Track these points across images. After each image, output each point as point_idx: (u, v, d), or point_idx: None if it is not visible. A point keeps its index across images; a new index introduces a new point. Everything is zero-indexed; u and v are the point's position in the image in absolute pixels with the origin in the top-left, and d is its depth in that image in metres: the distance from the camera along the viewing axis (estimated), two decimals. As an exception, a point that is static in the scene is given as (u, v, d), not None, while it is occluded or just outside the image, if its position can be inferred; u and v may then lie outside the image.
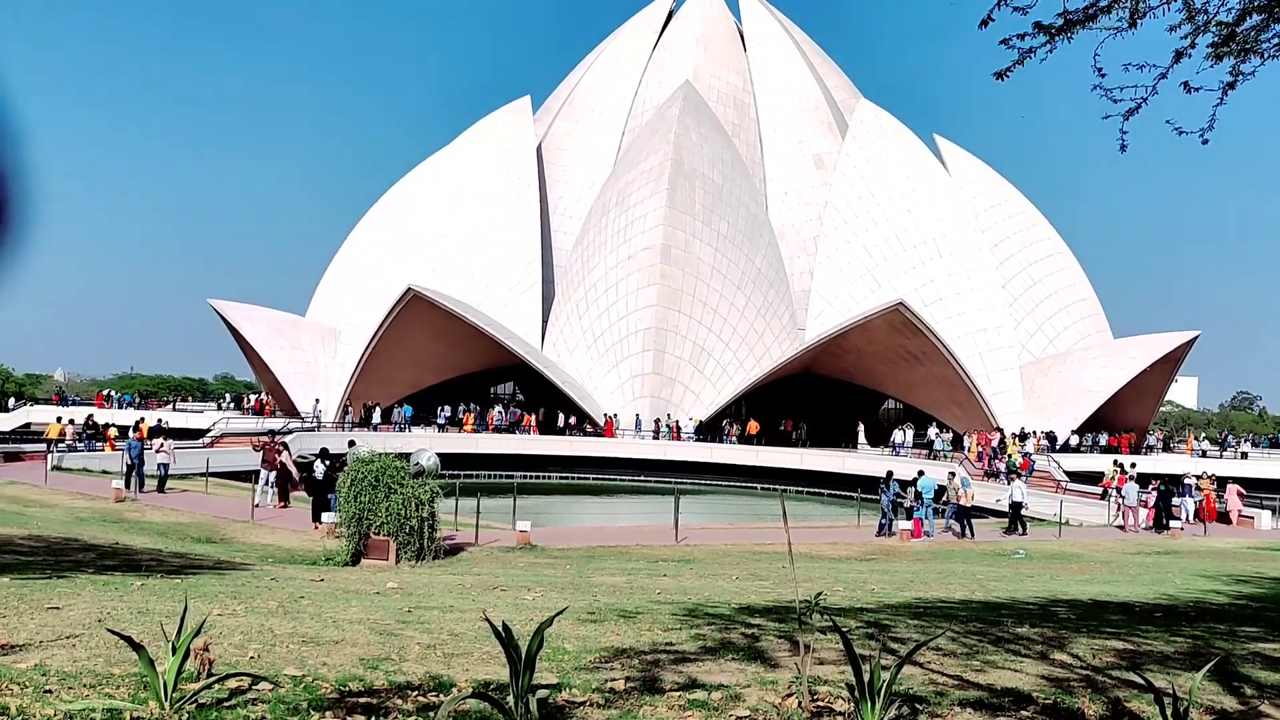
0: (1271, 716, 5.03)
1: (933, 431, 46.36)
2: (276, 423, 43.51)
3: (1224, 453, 52.69)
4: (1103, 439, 48.28)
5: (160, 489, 25.88)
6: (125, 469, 26.19)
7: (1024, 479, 31.05)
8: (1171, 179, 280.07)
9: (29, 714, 4.01)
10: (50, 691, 4.43)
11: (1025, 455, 39.55)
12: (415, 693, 4.81)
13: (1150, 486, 28.86)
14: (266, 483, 25.20)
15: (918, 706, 4.77)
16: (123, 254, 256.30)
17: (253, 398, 64.53)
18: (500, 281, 55.29)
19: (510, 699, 4.19)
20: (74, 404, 56.05)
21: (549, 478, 43.87)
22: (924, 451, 44.02)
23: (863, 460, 42.20)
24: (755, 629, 7.62)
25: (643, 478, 43.45)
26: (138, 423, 37.07)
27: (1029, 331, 55.58)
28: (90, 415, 42.47)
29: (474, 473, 38.38)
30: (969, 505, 24.80)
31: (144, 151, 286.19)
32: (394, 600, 9.41)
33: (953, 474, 27.21)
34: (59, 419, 38.37)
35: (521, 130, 61.55)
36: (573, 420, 49.12)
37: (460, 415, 48.76)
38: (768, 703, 4.80)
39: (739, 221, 54.35)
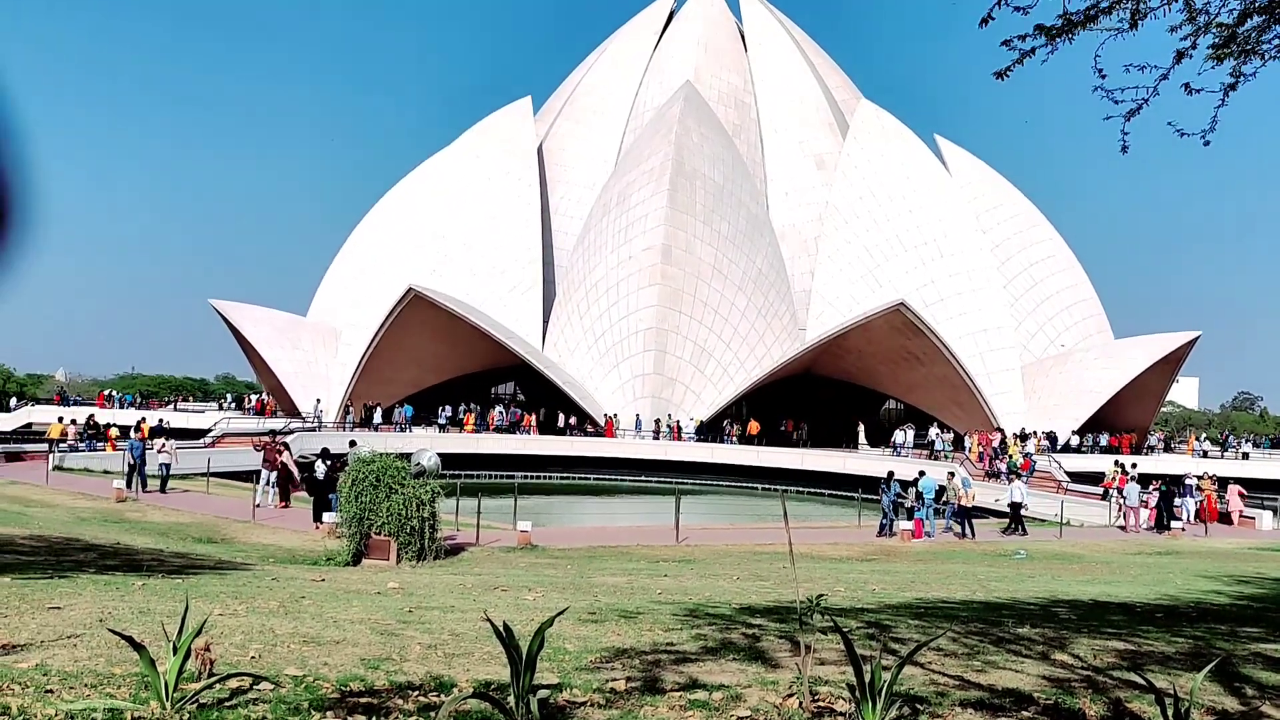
0: (1273, 717, 5.03)
1: (934, 432, 46.34)
2: (278, 423, 43.52)
3: (1225, 453, 52.65)
4: (1103, 439, 48.27)
5: (162, 489, 25.90)
6: (127, 469, 26.20)
7: (1025, 479, 31.08)
8: (1172, 179, 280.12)
9: (30, 714, 4.01)
10: (51, 691, 4.44)
11: (1026, 456, 39.54)
12: (416, 693, 4.82)
13: (1151, 487, 28.85)
14: (267, 483, 25.21)
15: (919, 707, 4.77)
16: (124, 254, 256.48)
17: (254, 398, 64.57)
18: (501, 282, 55.32)
19: (511, 699, 4.19)
20: (75, 404, 56.08)
21: (550, 478, 43.87)
22: (925, 452, 44.01)
23: (863, 461, 42.19)
24: (756, 629, 7.62)
25: (644, 478, 43.45)
26: (139, 423, 37.09)
27: (1030, 332, 55.60)
28: (91, 415, 42.49)
29: (475, 473, 38.39)
30: (970, 505, 24.81)
31: (145, 151, 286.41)
32: (395, 600, 9.41)
33: (952, 474, 27.21)
34: (60, 419, 38.39)
35: (522, 131, 61.58)
36: (573, 420, 49.13)
37: (461, 415, 48.78)
38: (769, 703, 4.80)
39: (740, 222, 54.36)
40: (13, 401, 60.41)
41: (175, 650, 4.40)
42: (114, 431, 37.95)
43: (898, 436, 45.63)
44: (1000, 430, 45.81)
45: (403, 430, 45.91)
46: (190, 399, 79.61)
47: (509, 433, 47.68)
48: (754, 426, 49.02)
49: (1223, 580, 15.21)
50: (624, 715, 4.50)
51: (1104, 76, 5.93)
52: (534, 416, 49.46)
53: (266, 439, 27.69)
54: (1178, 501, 29.50)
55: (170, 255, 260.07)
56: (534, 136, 61.99)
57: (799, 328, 54.40)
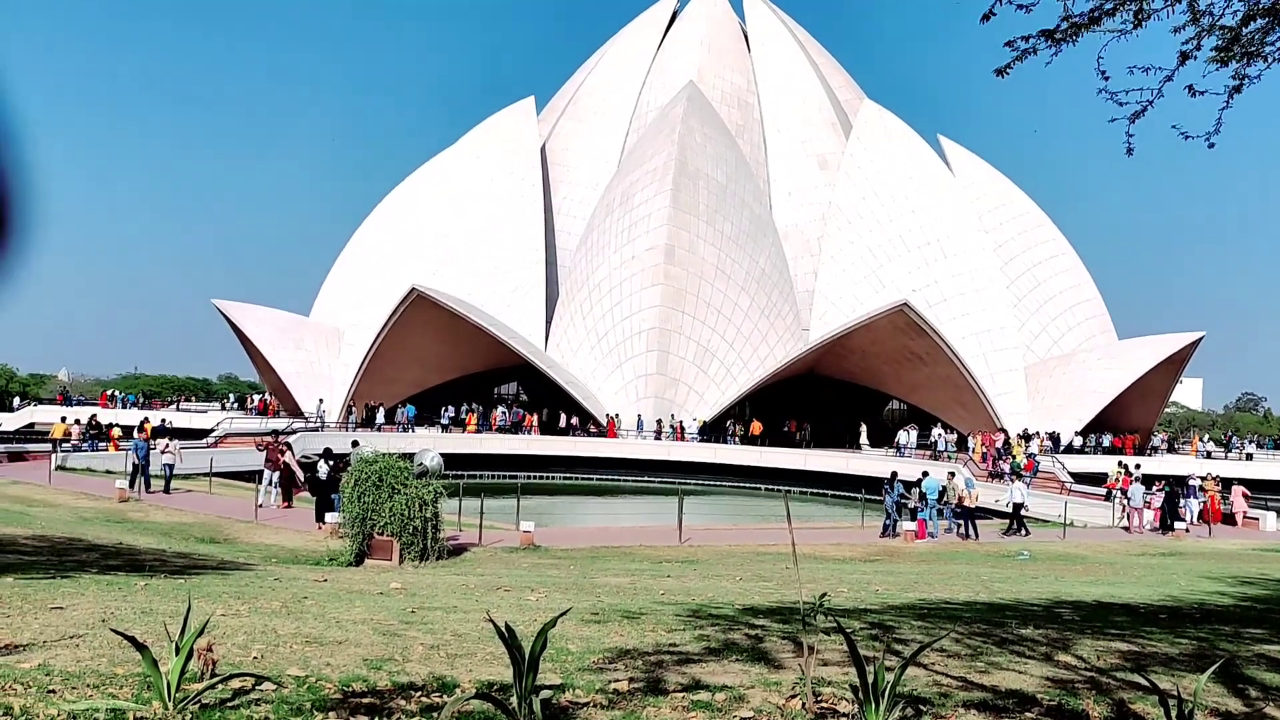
0: (1276, 718, 5.02)
1: (937, 432, 46.31)
2: (280, 423, 43.56)
3: (1229, 454, 52.57)
4: (1106, 440, 48.21)
5: (166, 489, 25.91)
6: (131, 469, 26.22)
7: (1028, 480, 31.01)
8: (1176, 179, 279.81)
9: (32, 714, 4.01)
10: (54, 691, 4.44)
11: (1030, 456, 39.50)
12: (419, 693, 4.81)
13: (1155, 488, 28.80)
14: (270, 483, 25.22)
15: (922, 708, 4.76)
16: (126, 254, 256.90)
17: (256, 398, 64.61)
18: (504, 281, 55.34)
19: (514, 700, 4.19)
20: (78, 404, 56.18)
21: (553, 478, 43.89)
22: (928, 452, 43.97)
23: (866, 461, 42.17)
24: (759, 630, 7.61)
25: (646, 478, 43.45)
26: (142, 423, 37.13)
27: (1033, 332, 55.57)
28: (94, 415, 42.55)
29: (477, 473, 38.39)
30: (974, 506, 24.78)
31: (146, 151, 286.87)
32: (397, 601, 9.41)
33: (952, 474, 27.17)
34: (63, 419, 38.44)
35: (525, 131, 61.60)
36: (575, 421, 49.13)
37: (463, 416, 48.80)
38: (771, 704, 4.80)
39: (743, 222, 54.36)
40: (15, 401, 60.53)
41: (178, 650, 4.40)
42: (116, 432, 37.99)
43: (901, 437, 45.61)
44: (1003, 431, 45.78)
45: (405, 430, 45.94)
46: (193, 399, 79.69)
47: (511, 433, 47.69)
48: (757, 427, 49.02)
49: (1226, 581, 15.18)
50: (627, 716, 4.49)
51: (1107, 79, 5.91)
52: (535, 417, 49.47)
53: (269, 439, 27.71)
54: (1181, 502, 29.45)
55: (172, 255, 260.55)
56: (537, 136, 62.01)
57: (802, 328, 54.39)
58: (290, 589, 9.97)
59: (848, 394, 54.76)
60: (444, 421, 48.48)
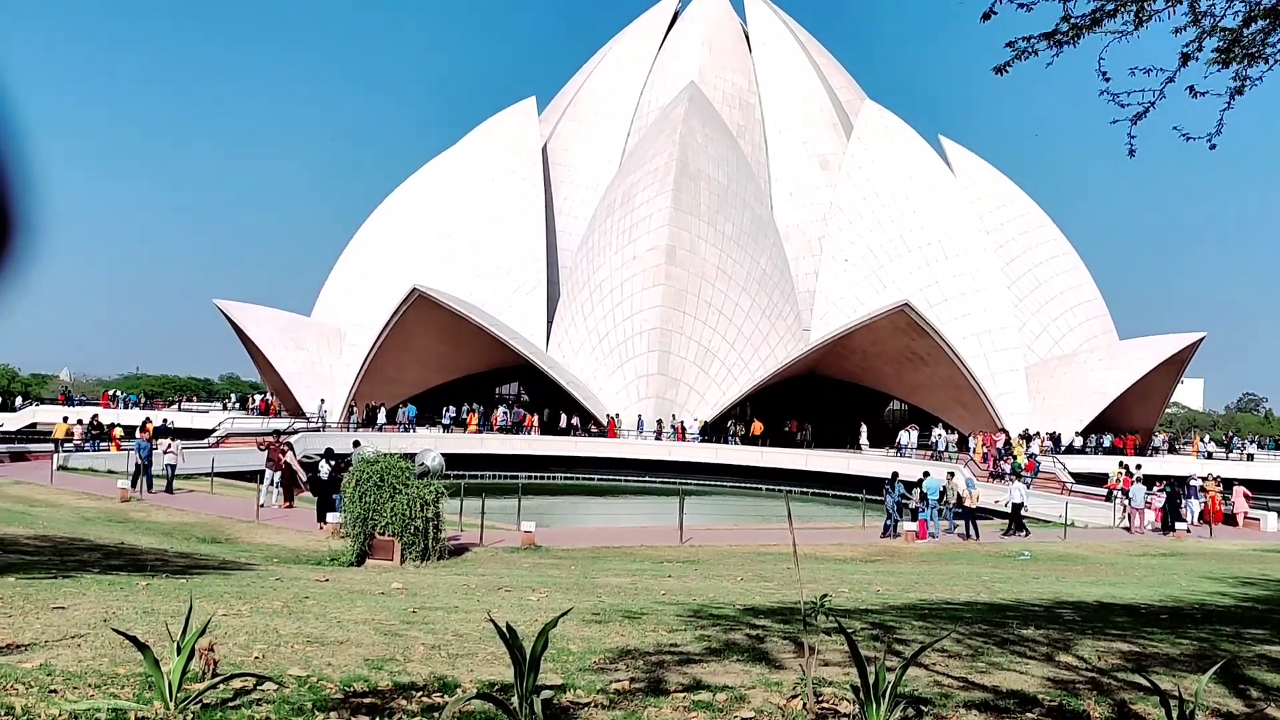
0: (1277, 719, 5.02)
1: (937, 433, 46.29)
2: (282, 423, 43.58)
3: (1230, 454, 52.54)
4: (1107, 440, 48.18)
5: (168, 489, 25.92)
6: (134, 469, 26.24)
7: (1029, 480, 30.98)
8: (1177, 180, 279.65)
9: (34, 714, 4.01)
10: (55, 691, 4.44)
11: (1031, 456, 39.48)
12: (420, 693, 4.82)
13: (1156, 488, 28.79)
14: (271, 483, 25.23)
15: (923, 708, 4.76)
16: (128, 254, 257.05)
17: (258, 398, 64.62)
18: (505, 282, 55.33)
19: (515, 700, 4.19)
20: (80, 404, 56.19)
21: (554, 478, 43.89)
22: (929, 452, 43.95)
23: (867, 461, 42.14)
24: (760, 630, 7.61)
25: (647, 478, 43.45)
26: (144, 423, 37.16)
27: (1034, 332, 55.53)
28: (95, 415, 42.57)
29: (479, 473, 38.40)
30: (975, 507, 24.76)
31: (148, 151, 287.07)
32: (399, 601, 9.42)
33: (951, 474, 27.16)
34: (65, 419, 38.46)
35: (527, 131, 61.60)
36: (575, 421, 49.13)
37: (464, 416, 48.81)
38: (772, 704, 4.80)
39: (744, 222, 54.34)
40: (18, 401, 60.55)
41: (179, 650, 4.40)
42: (118, 432, 38.03)
43: (902, 437, 45.60)
44: (1004, 431, 45.76)
45: (407, 430, 45.95)
46: (194, 399, 79.69)
47: (512, 433, 47.70)
48: (758, 427, 49.00)
49: (1227, 582, 15.17)
50: (628, 716, 4.50)
51: (1108, 80, 5.91)
52: (535, 417, 49.48)
53: (271, 439, 27.73)
54: (1182, 503, 29.43)
55: (174, 255, 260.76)
56: (538, 137, 62.00)
57: (803, 328, 54.37)
58: (292, 589, 9.97)
59: (849, 394, 54.73)
60: (445, 422, 48.48)
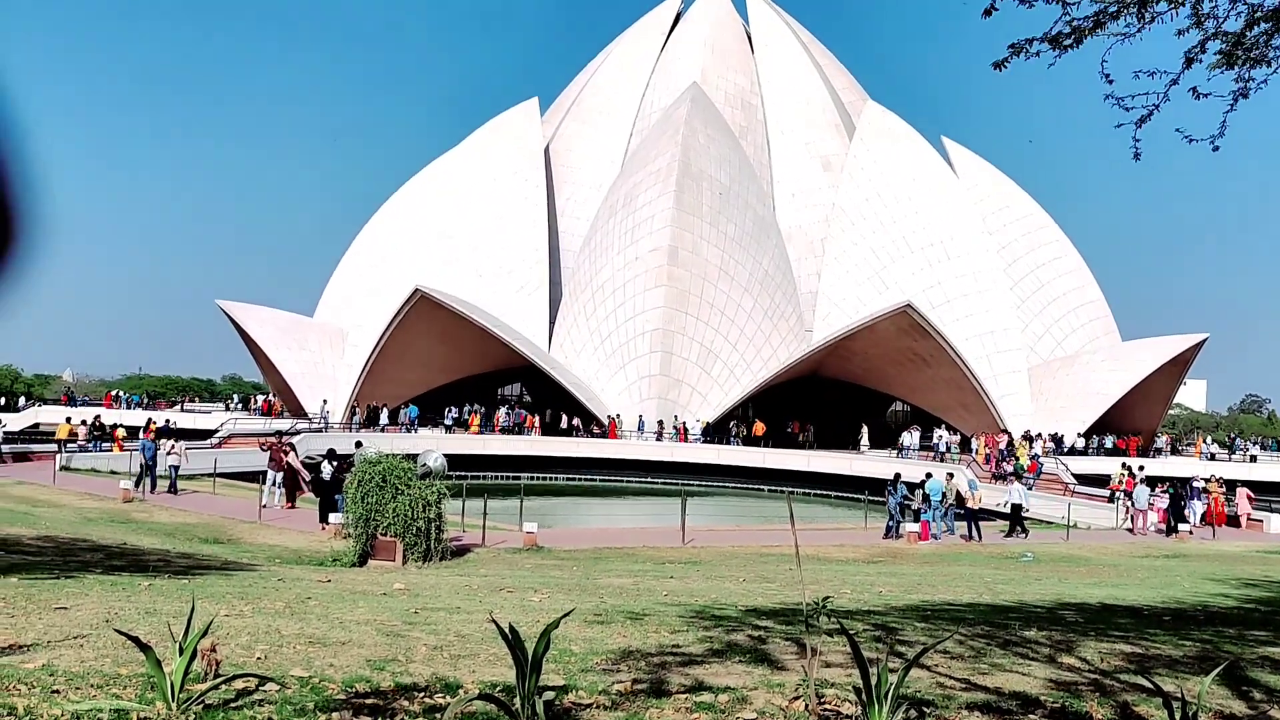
0: (1281, 721, 5.01)
1: (940, 434, 46.26)
2: (284, 424, 43.62)
3: (1232, 456, 52.47)
4: (1109, 441, 48.13)
5: (172, 490, 25.95)
6: (138, 469, 26.26)
7: (1029, 481, 30.93)
8: (1179, 181, 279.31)
9: (36, 714, 4.02)
10: (58, 691, 4.45)
11: (1033, 457, 39.45)
12: (422, 694, 4.82)
13: (1159, 489, 28.76)
14: (274, 483, 25.25)
15: (925, 710, 4.76)
16: (130, 254, 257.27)
17: (260, 398, 64.64)
18: (508, 282, 55.33)
19: (517, 701, 4.19)
20: (82, 404, 56.26)
21: (556, 479, 43.90)
22: (931, 453, 43.92)
23: (870, 462, 42.13)
24: (762, 631, 7.61)
25: (649, 479, 43.45)
26: (148, 423, 37.19)
27: (1037, 334, 55.48)
28: (97, 415, 42.61)
29: (481, 474, 38.42)
30: (977, 508, 24.75)
31: (151, 151, 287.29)
32: (401, 601, 9.42)
33: (951, 475, 27.16)
34: (68, 419, 38.51)
35: (529, 131, 61.62)
36: (577, 422, 49.13)
37: (466, 416, 48.83)
38: (775, 705, 4.79)
39: (746, 223, 54.34)
40: (20, 402, 60.64)
41: (181, 651, 4.41)
42: (121, 432, 38.08)
43: (904, 438, 45.58)
44: (1007, 432, 45.72)
45: (409, 431, 45.97)
46: (197, 399, 79.72)
47: (514, 434, 47.72)
48: (760, 428, 48.99)
49: (1230, 583, 15.16)
50: (630, 717, 4.49)
51: (1111, 82, 5.91)
52: (537, 418, 49.50)
53: (273, 440, 27.76)
54: (1185, 504, 29.39)
55: (177, 256, 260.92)
56: (541, 137, 62.03)
57: (805, 329, 54.34)
58: (294, 589, 9.98)
59: (851, 395, 54.70)
60: (447, 422, 48.51)
